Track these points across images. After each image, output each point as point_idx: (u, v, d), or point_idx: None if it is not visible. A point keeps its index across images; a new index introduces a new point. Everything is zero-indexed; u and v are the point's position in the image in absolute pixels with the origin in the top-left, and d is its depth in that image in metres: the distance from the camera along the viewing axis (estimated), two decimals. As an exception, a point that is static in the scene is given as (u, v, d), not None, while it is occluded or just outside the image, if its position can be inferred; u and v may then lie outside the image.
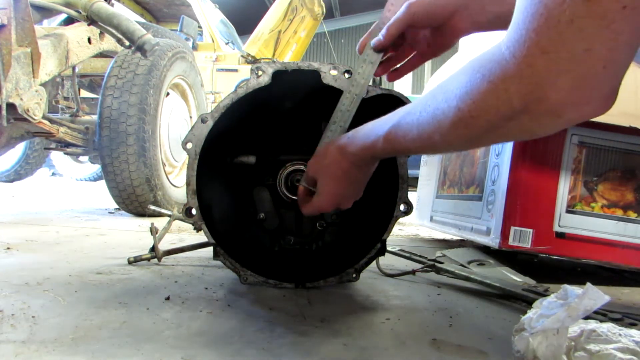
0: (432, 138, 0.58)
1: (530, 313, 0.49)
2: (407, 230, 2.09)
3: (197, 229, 0.91)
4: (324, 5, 6.31)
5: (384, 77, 0.91)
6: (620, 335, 0.48)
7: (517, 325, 0.50)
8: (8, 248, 1.19)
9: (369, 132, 0.71)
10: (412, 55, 0.87)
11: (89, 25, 1.86)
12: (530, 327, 0.47)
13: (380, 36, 0.80)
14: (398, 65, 0.88)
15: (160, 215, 1.52)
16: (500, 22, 0.80)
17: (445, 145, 0.59)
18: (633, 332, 0.49)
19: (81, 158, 5.00)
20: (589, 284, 0.46)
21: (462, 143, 0.58)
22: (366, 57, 0.82)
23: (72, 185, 5.07)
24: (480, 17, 0.78)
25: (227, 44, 5.45)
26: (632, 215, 1.04)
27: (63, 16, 2.31)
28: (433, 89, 0.59)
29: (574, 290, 0.47)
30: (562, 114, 0.44)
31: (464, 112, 0.51)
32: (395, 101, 0.85)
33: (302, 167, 1.00)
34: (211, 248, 0.90)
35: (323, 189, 0.79)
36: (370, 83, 0.86)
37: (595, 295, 0.45)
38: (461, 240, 1.71)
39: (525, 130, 0.49)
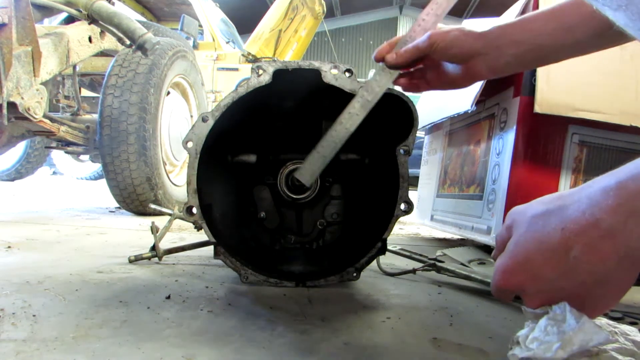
0: None
1: (527, 329, 0.48)
2: (407, 229, 2.09)
3: (198, 228, 0.91)
4: (324, 4, 6.31)
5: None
6: (616, 333, 0.47)
7: (513, 337, 0.50)
8: (9, 247, 1.20)
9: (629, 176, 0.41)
10: (421, 78, 0.88)
11: (89, 24, 1.86)
12: (524, 345, 0.47)
13: (394, 54, 0.80)
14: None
15: (161, 214, 1.52)
16: (517, 63, 0.77)
17: None
18: (626, 328, 0.49)
19: (82, 157, 5.00)
20: (585, 317, 0.44)
21: None
22: (385, 67, 0.82)
23: (72, 184, 5.07)
24: (498, 61, 0.76)
25: (227, 43, 5.46)
26: (633, 214, 1.04)
27: (64, 15, 2.32)
28: None
29: (572, 315, 0.45)
30: None
31: None
32: (396, 101, 0.85)
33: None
34: (212, 247, 0.90)
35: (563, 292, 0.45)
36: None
37: (592, 331, 0.43)
38: (462, 239, 1.71)
39: None
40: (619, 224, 0.41)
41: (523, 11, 1.08)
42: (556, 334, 0.44)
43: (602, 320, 0.49)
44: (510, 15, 1.14)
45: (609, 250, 0.41)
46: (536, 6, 1.03)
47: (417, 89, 0.89)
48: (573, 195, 0.46)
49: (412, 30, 0.82)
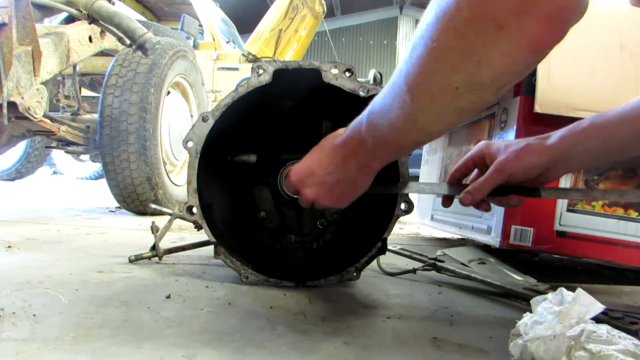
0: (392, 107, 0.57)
1: (526, 318, 0.49)
2: (408, 229, 2.09)
3: (198, 228, 0.91)
4: (324, 4, 6.31)
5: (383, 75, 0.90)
6: (619, 337, 0.48)
7: (513, 330, 0.50)
8: (9, 246, 1.20)
9: (356, 120, 0.67)
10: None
11: (90, 23, 1.86)
12: (525, 333, 0.47)
13: (469, 194, 0.74)
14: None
15: (161, 213, 1.52)
16: (587, 165, 0.80)
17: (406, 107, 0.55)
18: (627, 336, 0.49)
19: (82, 157, 5.00)
20: (579, 290, 0.45)
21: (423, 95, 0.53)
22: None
23: (73, 183, 5.07)
24: (570, 168, 0.76)
25: (228, 42, 5.45)
26: (633, 214, 1.04)
27: (64, 15, 2.32)
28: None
29: (569, 295, 0.46)
30: (504, 24, 0.44)
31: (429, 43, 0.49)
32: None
33: (302, 166, 1.00)
34: (212, 247, 0.90)
35: (311, 180, 0.75)
36: (372, 82, 0.85)
37: (587, 302, 0.44)
38: (462, 239, 1.71)
39: (470, 61, 0.47)
40: (337, 135, 0.72)
41: None
42: (554, 313, 0.45)
43: (603, 326, 0.49)
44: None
45: (353, 163, 0.69)
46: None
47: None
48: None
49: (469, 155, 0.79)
